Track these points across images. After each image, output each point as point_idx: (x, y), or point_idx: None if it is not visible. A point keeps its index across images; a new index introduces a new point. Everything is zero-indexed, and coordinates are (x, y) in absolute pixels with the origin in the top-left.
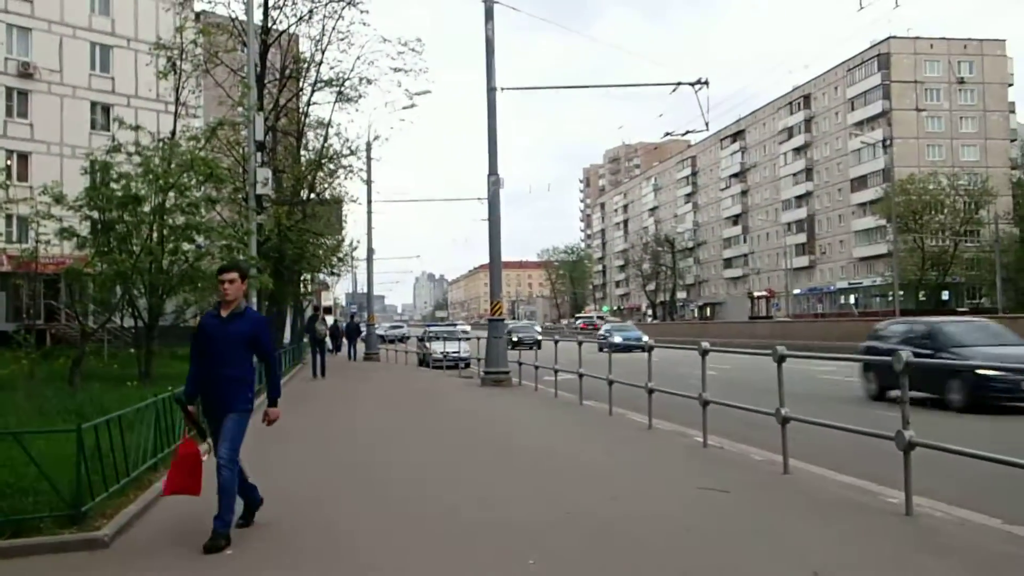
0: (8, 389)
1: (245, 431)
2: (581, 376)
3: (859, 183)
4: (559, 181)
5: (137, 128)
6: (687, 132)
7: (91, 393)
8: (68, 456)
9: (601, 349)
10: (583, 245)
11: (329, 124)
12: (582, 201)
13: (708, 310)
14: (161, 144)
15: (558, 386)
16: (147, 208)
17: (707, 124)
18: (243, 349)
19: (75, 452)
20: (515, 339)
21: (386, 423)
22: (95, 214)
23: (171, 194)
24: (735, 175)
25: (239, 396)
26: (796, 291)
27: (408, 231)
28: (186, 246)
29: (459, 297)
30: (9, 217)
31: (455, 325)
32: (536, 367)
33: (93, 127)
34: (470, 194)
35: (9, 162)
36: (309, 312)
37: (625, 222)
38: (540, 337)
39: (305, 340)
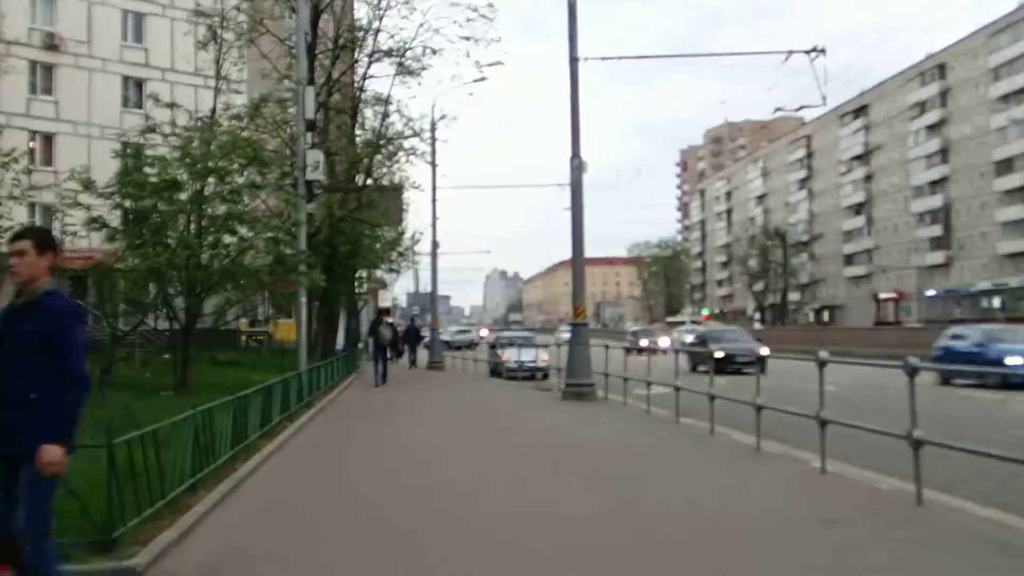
0: None
1: (53, 488)
2: (678, 390)
3: (1005, 167)
4: (652, 165)
5: (173, 106)
6: (800, 108)
7: (122, 404)
8: (97, 475)
9: (695, 368)
10: (679, 238)
11: (388, 100)
12: (678, 188)
13: (826, 314)
14: (200, 123)
15: (651, 401)
16: (184, 196)
17: (824, 98)
18: (36, 356)
19: (105, 470)
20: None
21: (457, 442)
22: (127, 202)
23: (211, 180)
24: (857, 157)
25: (36, 431)
26: (929, 293)
27: (477, 223)
28: (227, 238)
29: (535, 298)
30: (32, 206)
31: (531, 331)
32: (625, 379)
33: (125, 104)
34: (548, 180)
35: (32, 144)
36: (366, 314)
37: (728, 212)
38: (763, 353)
39: (361, 346)
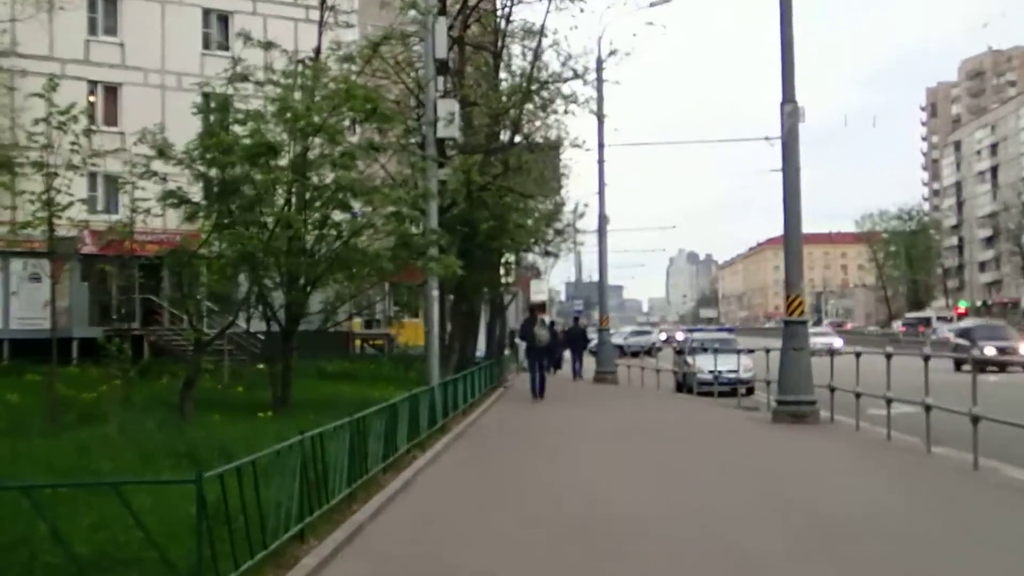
0: (97, 419)
1: None
2: (928, 409)
3: None
4: (888, 113)
5: (269, 46)
6: None
7: (208, 427)
8: (183, 516)
9: (959, 367)
10: (926, 207)
11: (543, 32)
12: (924, 140)
13: None
14: (302, 69)
15: (892, 424)
16: (284, 161)
17: None
18: None
19: (194, 512)
20: None
21: (630, 489)
22: (211, 171)
23: (317, 140)
24: None
25: None
26: None
27: (657, 192)
28: (338, 215)
29: (734, 287)
30: (93, 176)
31: (730, 331)
32: (857, 395)
33: (207, 46)
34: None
35: (92, 98)
36: (514, 311)
37: (994, 170)
38: None
39: (507, 352)
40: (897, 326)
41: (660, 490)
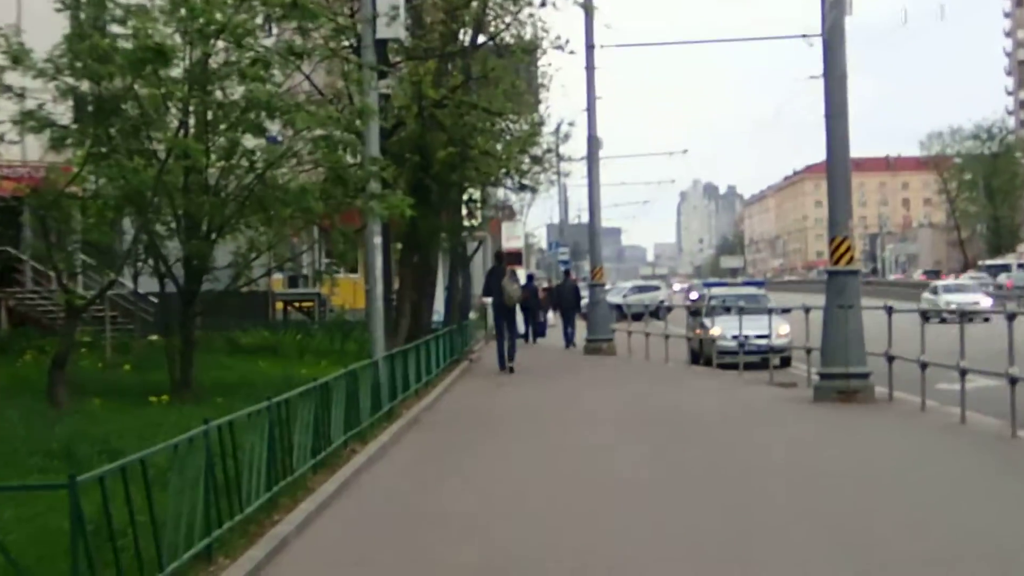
0: None
1: None
2: (1014, 382)
3: None
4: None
5: None
6: None
7: (87, 417)
8: (54, 531)
9: None
10: (1010, 123)
11: None
12: (1008, 36)
13: None
14: None
15: (966, 402)
16: (178, 72)
17: None
18: None
19: (67, 526)
20: None
21: (631, 503)
22: (83, 84)
23: (220, 44)
24: None
25: None
26: None
27: (663, 110)
28: (250, 141)
29: (764, 229)
30: None
31: (759, 285)
32: (923, 364)
33: None
34: (782, 31)
35: None
36: (480, 263)
37: None
38: None
39: (473, 315)
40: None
41: (658, 514)
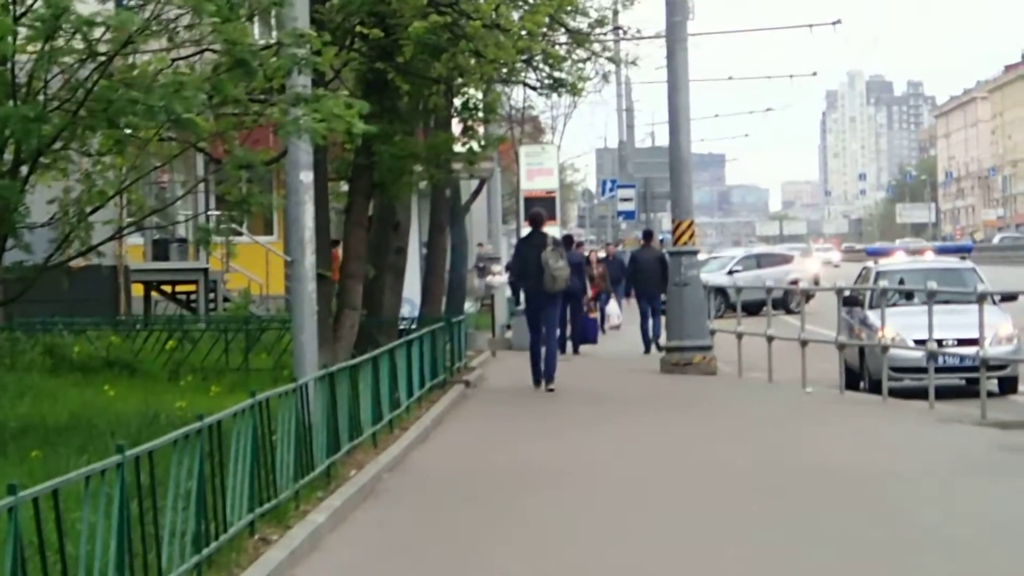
0: None
1: None
2: None
3: None
4: None
5: None
6: None
7: None
8: None
9: None
10: None
11: None
12: None
13: None
14: None
15: None
16: None
17: None
18: None
19: None
20: None
21: None
22: None
23: None
24: None
25: None
26: None
27: None
28: (88, 6)
29: (972, 156)
30: None
31: (964, 254)
32: None
33: None
34: None
35: None
36: (480, 216)
37: None
38: None
39: (472, 305)
40: None
41: None
